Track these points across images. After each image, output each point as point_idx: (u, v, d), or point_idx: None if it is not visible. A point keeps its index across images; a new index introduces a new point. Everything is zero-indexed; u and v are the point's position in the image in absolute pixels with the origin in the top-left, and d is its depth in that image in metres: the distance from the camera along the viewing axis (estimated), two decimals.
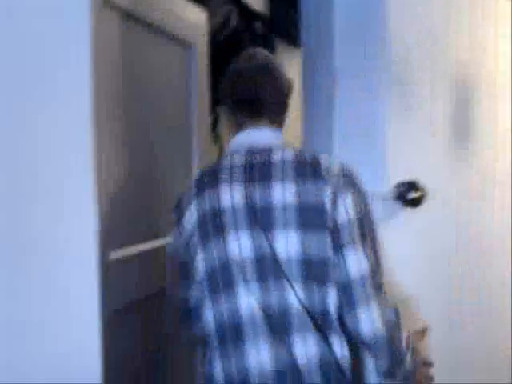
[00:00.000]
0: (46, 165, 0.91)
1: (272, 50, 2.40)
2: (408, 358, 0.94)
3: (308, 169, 0.98)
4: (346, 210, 0.93)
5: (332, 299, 0.95)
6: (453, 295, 1.35)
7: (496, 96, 1.47)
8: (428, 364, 1.01)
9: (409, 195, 1.14)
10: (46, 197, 0.91)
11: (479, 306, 1.48)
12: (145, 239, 1.18)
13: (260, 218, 0.97)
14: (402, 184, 1.15)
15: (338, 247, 0.93)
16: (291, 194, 0.97)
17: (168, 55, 1.28)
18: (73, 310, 0.91)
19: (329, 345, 0.96)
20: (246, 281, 0.97)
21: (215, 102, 2.07)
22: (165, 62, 1.26)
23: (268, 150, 0.99)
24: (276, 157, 1.00)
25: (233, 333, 0.97)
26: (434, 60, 1.29)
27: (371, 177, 1.17)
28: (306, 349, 0.95)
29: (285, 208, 0.98)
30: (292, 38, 2.41)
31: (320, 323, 0.96)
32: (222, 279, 0.97)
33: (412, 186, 1.15)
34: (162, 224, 1.28)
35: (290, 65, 2.36)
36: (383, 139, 1.16)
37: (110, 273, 1.00)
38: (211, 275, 0.97)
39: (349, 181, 0.96)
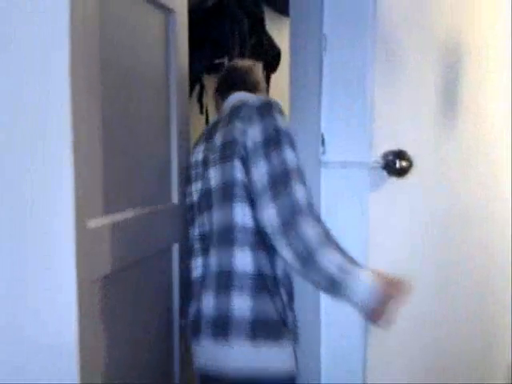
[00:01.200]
0: (21, 128, 0.88)
1: (261, 19, 2.35)
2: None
3: (236, 111, 1.24)
4: (253, 137, 1.18)
5: (239, 214, 1.20)
6: (442, 265, 1.35)
7: (487, 65, 1.45)
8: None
9: (396, 165, 1.13)
10: (20, 164, 0.89)
11: (473, 274, 1.49)
12: (125, 208, 1.17)
13: (207, 162, 1.30)
14: (390, 153, 1.14)
15: (249, 167, 1.17)
16: (221, 135, 1.26)
17: (147, 19, 1.25)
18: (49, 278, 0.90)
19: (231, 256, 1.20)
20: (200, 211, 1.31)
21: (200, 70, 2.04)
22: (144, 27, 1.23)
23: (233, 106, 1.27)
24: (230, 108, 1.27)
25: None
26: (422, 28, 1.26)
27: (359, 146, 1.16)
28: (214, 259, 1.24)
29: (216, 149, 1.27)
30: (281, 7, 2.37)
31: (226, 238, 1.21)
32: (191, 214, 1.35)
33: (399, 155, 1.13)
34: (142, 193, 1.26)
35: (280, 33, 2.33)
36: (370, 108, 1.15)
37: (88, 241, 0.99)
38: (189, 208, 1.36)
39: (260, 113, 1.19)
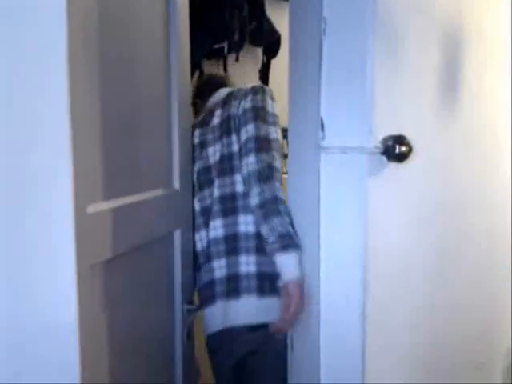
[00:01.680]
0: (18, 113, 0.88)
1: (261, 4, 2.34)
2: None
3: (231, 95, 1.52)
4: (244, 106, 1.44)
5: (241, 184, 1.43)
6: (442, 250, 1.35)
7: (488, 48, 1.44)
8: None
9: (396, 150, 1.12)
10: (18, 149, 0.89)
11: (473, 261, 1.49)
12: (125, 193, 1.16)
13: (204, 144, 1.51)
14: (389, 138, 1.13)
15: (240, 130, 1.43)
16: (218, 117, 1.49)
17: (148, 1, 1.24)
18: (48, 263, 0.90)
19: (236, 222, 1.44)
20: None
21: (200, 55, 2.03)
22: (145, 8, 1.22)
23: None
24: (224, 96, 1.55)
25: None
26: (423, 11, 1.25)
27: (358, 131, 1.15)
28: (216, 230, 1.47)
29: (214, 129, 1.49)
30: None
31: (230, 206, 1.44)
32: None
33: (399, 140, 1.13)
34: (143, 178, 1.26)
35: (280, 18, 2.31)
36: (370, 93, 1.14)
37: (87, 226, 0.99)
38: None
39: (254, 92, 1.46)
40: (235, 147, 1.45)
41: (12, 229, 0.91)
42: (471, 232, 1.47)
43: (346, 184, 1.15)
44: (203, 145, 1.52)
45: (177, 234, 1.44)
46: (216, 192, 1.47)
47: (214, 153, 1.49)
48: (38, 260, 0.92)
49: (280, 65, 2.28)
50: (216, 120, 1.50)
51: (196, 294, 1.56)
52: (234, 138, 1.46)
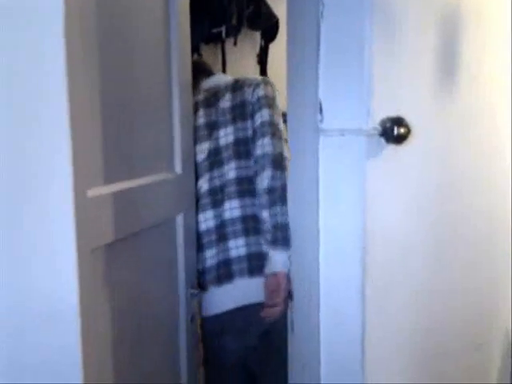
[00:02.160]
0: (17, 96, 0.88)
1: None
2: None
3: (240, 82, 1.60)
4: (258, 94, 1.54)
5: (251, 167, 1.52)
6: (440, 232, 1.36)
7: (488, 29, 1.43)
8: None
9: (394, 131, 1.12)
10: (17, 133, 0.89)
11: (472, 243, 1.50)
12: (126, 177, 1.16)
13: (213, 125, 1.57)
14: (388, 120, 1.13)
15: (254, 115, 1.52)
16: (229, 100, 1.56)
17: None
18: (49, 246, 0.91)
19: (253, 203, 1.52)
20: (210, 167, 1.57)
21: (198, 39, 2.02)
22: None
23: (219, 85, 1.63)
24: (225, 82, 1.63)
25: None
26: None
27: (357, 113, 1.15)
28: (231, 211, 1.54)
29: (225, 112, 1.55)
30: None
31: (247, 189, 1.52)
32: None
33: (397, 121, 1.13)
34: (144, 162, 1.26)
35: (277, 2, 2.29)
36: (369, 75, 1.14)
37: (88, 210, 0.99)
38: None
39: (265, 82, 1.58)
40: (250, 132, 1.54)
41: (12, 214, 0.92)
42: (469, 214, 1.47)
43: (345, 166, 1.15)
44: (212, 126, 1.57)
45: (179, 218, 1.44)
46: (232, 173, 1.54)
47: (225, 135, 1.55)
48: (38, 244, 0.92)
49: (278, 49, 2.27)
50: (226, 103, 1.56)
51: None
52: (249, 123, 1.55)
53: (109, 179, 1.09)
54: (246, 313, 1.53)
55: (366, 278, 1.14)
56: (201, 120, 1.58)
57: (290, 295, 1.28)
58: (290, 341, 1.28)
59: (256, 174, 1.52)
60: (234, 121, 1.55)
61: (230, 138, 1.56)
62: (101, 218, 1.05)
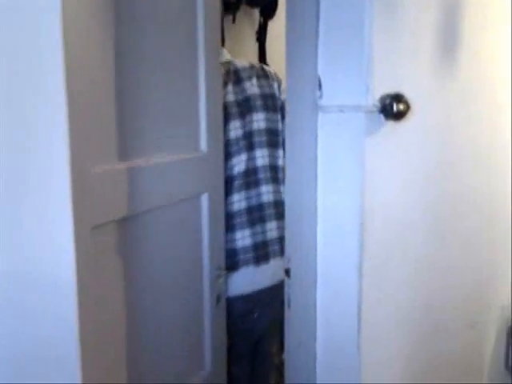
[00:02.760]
0: (14, 66, 0.86)
1: None
2: None
3: (259, 70, 1.68)
4: (282, 94, 1.62)
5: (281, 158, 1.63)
6: (438, 209, 1.36)
7: (491, 5, 1.41)
8: None
9: (393, 108, 1.11)
10: (16, 104, 0.88)
11: (472, 220, 1.50)
12: (142, 155, 1.14)
13: (244, 105, 1.57)
14: (387, 97, 1.12)
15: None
16: (255, 86, 1.62)
17: None
18: (49, 222, 0.90)
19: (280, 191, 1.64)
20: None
21: None
22: None
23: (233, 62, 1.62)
24: (241, 64, 1.65)
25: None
26: None
27: (356, 90, 1.14)
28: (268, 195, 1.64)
29: (255, 97, 1.60)
30: None
31: (276, 176, 1.63)
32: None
33: (397, 98, 1.12)
34: (164, 139, 1.22)
35: None
36: (368, 51, 1.12)
37: (91, 187, 0.99)
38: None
39: (278, 77, 1.70)
40: (280, 125, 1.65)
41: (11, 186, 0.91)
42: (469, 192, 1.47)
43: (344, 143, 1.14)
44: (243, 106, 1.60)
45: (204, 198, 1.40)
46: (265, 160, 1.62)
47: (257, 120, 1.60)
48: (38, 219, 0.92)
49: (277, 26, 2.24)
50: (254, 89, 1.63)
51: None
52: (279, 116, 1.65)
53: (124, 156, 1.07)
54: (276, 290, 1.57)
55: (363, 255, 1.14)
56: (230, 96, 1.56)
57: (286, 272, 1.28)
58: (286, 318, 1.29)
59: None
60: (265, 109, 1.61)
61: (262, 125, 1.62)
62: (108, 195, 1.04)
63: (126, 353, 1.16)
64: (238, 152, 1.57)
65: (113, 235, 1.09)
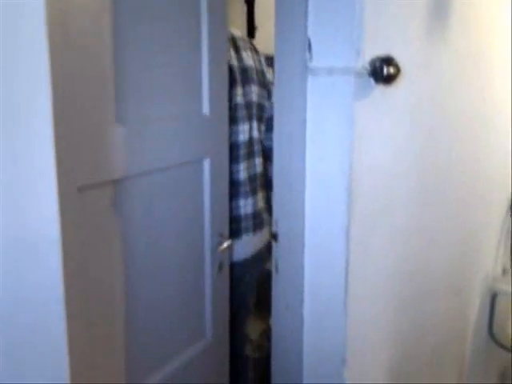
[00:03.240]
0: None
1: None
2: None
3: (249, 43, 1.69)
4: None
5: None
6: (427, 175, 1.36)
7: None
8: None
9: (384, 71, 1.10)
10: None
11: (460, 186, 1.50)
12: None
13: (245, 75, 1.56)
14: (377, 59, 1.11)
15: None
16: (251, 58, 1.61)
17: None
18: (35, 182, 0.89)
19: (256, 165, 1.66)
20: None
21: None
22: None
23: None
24: (236, 33, 1.63)
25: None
26: None
27: (346, 52, 1.12)
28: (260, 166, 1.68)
29: (252, 68, 1.59)
30: None
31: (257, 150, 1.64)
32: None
33: (387, 61, 1.11)
34: (164, 101, 1.17)
35: None
36: (359, 12, 1.10)
37: (77, 146, 0.97)
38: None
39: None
40: (267, 102, 1.67)
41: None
42: (458, 160, 1.47)
43: (333, 107, 1.13)
44: (244, 74, 1.60)
45: (206, 163, 1.34)
46: (257, 133, 1.65)
47: (253, 92, 1.61)
48: (24, 179, 0.90)
49: None
50: (250, 61, 1.63)
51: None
52: (266, 93, 1.68)
53: (120, 117, 1.04)
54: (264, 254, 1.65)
55: (351, 219, 1.14)
56: (234, 61, 1.55)
57: (274, 237, 1.28)
58: (273, 282, 1.29)
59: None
60: (258, 83, 1.62)
61: (255, 99, 1.62)
62: (98, 155, 1.02)
63: (117, 319, 1.16)
64: (242, 120, 1.57)
65: (104, 197, 1.08)
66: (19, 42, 0.84)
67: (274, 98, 1.26)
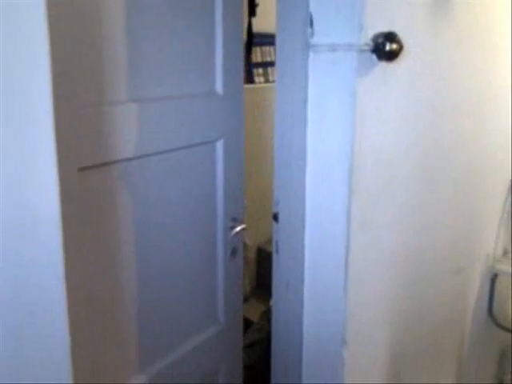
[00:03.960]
0: None
1: None
2: None
3: None
4: None
5: None
6: (430, 152, 1.35)
7: None
8: None
9: (386, 47, 1.08)
10: None
11: (463, 163, 1.49)
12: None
13: None
14: (380, 35, 1.09)
15: None
16: None
17: None
18: (35, 162, 0.88)
19: None
20: None
21: None
22: None
23: None
24: None
25: None
26: None
27: (348, 28, 1.10)
28: None
29: None
30: None
31: None
32: None
33: (390, 37, 1.09)
34: (172, 78, 1.11)
35: None
36: None
37: (79, 127, 0.96)
38: None
39: None
40: None
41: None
42: (460, 138, 1.46)
43: (335, 84, 1.12)
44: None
45: (219, 144, 1.28)
46: None
47: None
48: (25, 159, 0.89)
49: None
50: None
51: None
52: None
53: (130, 96, 1.01)
54: None
55: (352, 198, 1.13)
56: None
57: (275, 217, 1.27)
58: (274, 262, 1.29)
59: None
60: None
61: None
62: (101, 135, 1.00)
63: (123, 300, 1.15)
64: None
65: (106, 178, 1.05)
66: (19, 15, 0.82)
67: (276, 76, 1.24)
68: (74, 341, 0.91)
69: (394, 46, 1.08)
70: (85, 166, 1.02)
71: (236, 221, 1.42)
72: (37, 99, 0.87)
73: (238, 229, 1.42)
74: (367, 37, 1.09)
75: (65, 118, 0.92)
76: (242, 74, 1.27)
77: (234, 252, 1.40)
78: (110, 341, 1.16)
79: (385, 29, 1.10)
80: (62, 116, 0.91)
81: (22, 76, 0.85)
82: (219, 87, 1.22)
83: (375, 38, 1.09)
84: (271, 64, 2.63)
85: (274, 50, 1.23)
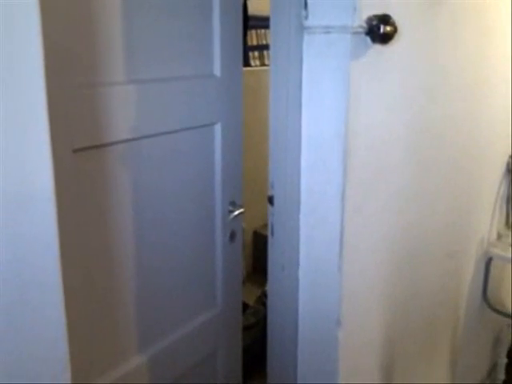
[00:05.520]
0: None
1: None
2: None
3: None
4: None
5: None
6: (424, 136, 1.35)
7: None
8: None
9: (381, 29, 1.08)
10: None
11: (458, 148, 1.50)
12: (144, 78, 1.07)
13: None
14: (374, 18, 1.09)
15: None
16: None
17: None
18: (26, 141, 0.88)
19: None
20: None
21: None
22: None
23: None
24: None
25: None
26: None
27: (343, 10, 1.10)
28: None
29: None
30: None
31: None
32: None
33: (384, 19, 1.09)
34: (168, 59, 1.11)
35: None
36: None
37: (73, 108, 0.96)
38: None
39: None
40: None
41: None
42: (453, 121, 1.46)
43: (329, 66, 1.12)
44: None
45: (217, 128, 1.27)
46: None
47: None
48: (14, 136, 0.89)
49: None
50: None
51: None
52: None
53: (127, 77, 1.01)
54: None
55: (346, 180, 1.14)
56: None
57: (270, 200, 1.28)
58: (269, 245, 1.30)
59: None
60: None
61: None
62: (96, 117, 0.99)
63: (118, 279, 1.15)
64: None
65: (102, 160, 1.05)
66: None
67: (270, 56, 1.24)
68: (69, 320, 0.92)
69: (388, 29, 1.08)
70: (80, 148, 1.02)
71: (234, 205, 1.42)
72: (29, 79, 0.86)
73: (237, 213, 1.42)
74: (361, 19, 1.09)
75: (59, 98, 0.92)
76: (240, 57, 1.26)
77: (232, 236, 1.41)
78: (109, 322, 1.17)
79: (379, 11, 1.10)
80: (56, 97, 0.91)
81: (14, 56, 0.85)
82: (217, 69, 1.21)
83: (369, 20, 1.09)
84: (267, 47, 2.62)
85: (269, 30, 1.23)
